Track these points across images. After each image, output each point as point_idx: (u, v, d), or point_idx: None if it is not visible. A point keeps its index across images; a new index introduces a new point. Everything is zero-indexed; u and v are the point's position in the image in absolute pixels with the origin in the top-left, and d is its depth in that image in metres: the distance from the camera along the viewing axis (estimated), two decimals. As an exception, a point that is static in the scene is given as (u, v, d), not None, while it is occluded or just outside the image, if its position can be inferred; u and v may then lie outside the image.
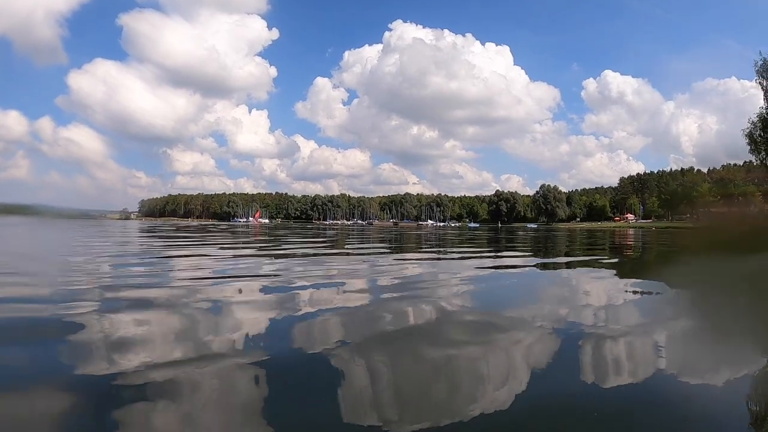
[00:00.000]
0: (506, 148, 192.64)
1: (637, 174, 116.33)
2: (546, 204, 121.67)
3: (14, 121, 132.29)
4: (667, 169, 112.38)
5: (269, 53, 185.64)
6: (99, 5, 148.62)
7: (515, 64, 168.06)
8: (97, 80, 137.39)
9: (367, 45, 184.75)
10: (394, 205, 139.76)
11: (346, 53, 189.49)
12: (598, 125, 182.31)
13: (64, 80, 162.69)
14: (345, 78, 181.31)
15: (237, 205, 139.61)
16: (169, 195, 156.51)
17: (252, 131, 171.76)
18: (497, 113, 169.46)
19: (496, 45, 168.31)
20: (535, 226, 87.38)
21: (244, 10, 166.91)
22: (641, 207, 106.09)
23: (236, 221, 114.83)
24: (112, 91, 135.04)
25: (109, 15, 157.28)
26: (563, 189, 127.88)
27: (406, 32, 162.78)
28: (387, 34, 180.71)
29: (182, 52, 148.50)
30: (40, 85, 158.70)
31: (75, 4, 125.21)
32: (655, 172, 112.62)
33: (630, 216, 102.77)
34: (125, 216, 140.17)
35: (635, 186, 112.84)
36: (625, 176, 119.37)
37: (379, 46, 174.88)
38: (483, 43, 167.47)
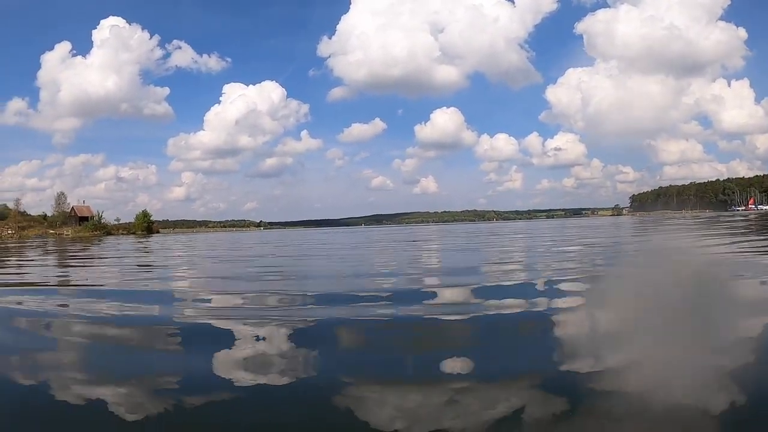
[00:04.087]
0: None
1: None
2: None
3: (503, 143, 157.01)
4: None
5: (731, 13, 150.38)
6: (552, 22, 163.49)
7: None
8: (573, 89, 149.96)
9: None
10: None
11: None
12: None
13: (543, 97, 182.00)
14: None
15: (733, 192, 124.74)
16: (660, 187, 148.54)
17: (736, 106, 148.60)
18: None
19: None
20: None
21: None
22: None
23: (734, 209, 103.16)
24: (587, 96, 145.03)
25: (566, 28, 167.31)
26: None
27: None
28: None
29: (641, 38, 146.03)
30: (522, 106, 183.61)
31: (529, 27, 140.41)
32: None
33: None
34: (617, 212, 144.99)
35: None
36: None
37: None
38: None
